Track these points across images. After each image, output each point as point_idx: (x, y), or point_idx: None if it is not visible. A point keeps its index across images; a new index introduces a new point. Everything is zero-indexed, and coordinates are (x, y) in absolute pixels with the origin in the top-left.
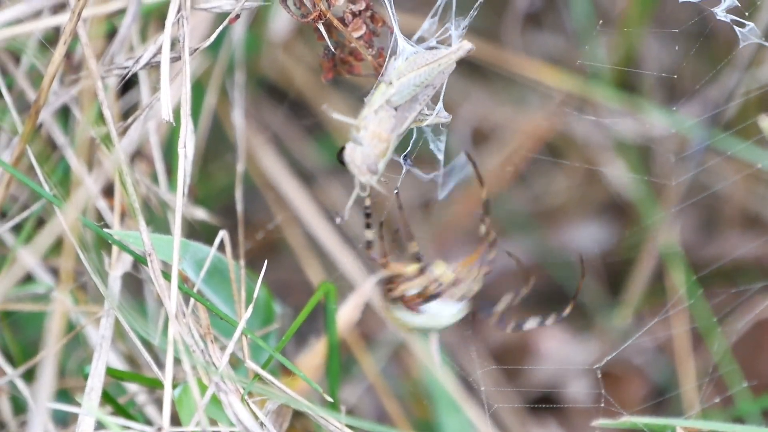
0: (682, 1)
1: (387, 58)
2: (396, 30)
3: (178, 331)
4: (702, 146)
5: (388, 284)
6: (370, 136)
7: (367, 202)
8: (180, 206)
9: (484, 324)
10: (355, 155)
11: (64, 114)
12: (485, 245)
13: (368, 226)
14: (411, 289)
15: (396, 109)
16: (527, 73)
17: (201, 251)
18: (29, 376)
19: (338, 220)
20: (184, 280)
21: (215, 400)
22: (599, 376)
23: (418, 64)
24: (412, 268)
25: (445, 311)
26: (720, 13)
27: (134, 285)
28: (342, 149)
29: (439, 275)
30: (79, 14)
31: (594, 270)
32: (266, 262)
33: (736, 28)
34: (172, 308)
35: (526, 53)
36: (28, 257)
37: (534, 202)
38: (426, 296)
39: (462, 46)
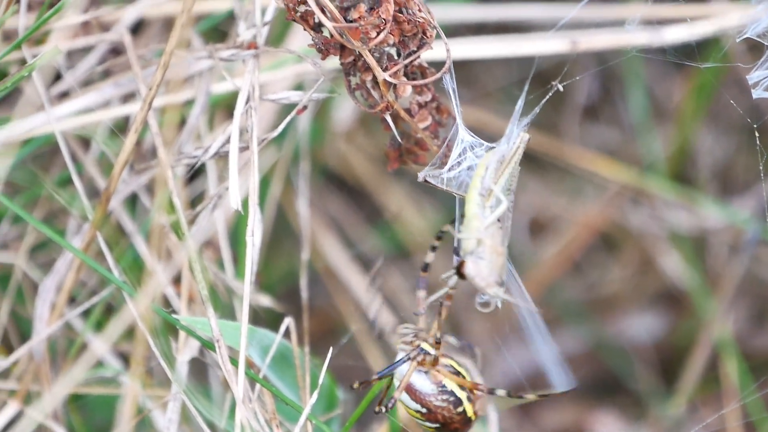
0: (757, 97)
1: (452, 148)
2: (459, 120)
3: (245, 415)
4: (756, 238)
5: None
6: (489, 251)
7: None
8: (248, 293)
9: (540, 408)
10: (481, 269)
11: (132, 201)
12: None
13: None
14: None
15: (499, 220)
16: (583, 165)
17: (267, 337)
18: None
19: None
20: (250, 365)
21: None
22: None
23: (494, 167)
24: (432, 334)
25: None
26: None
27: (198, 370)
28: (461, 264)
29: (421, 353)
30: (150, 104)
31: (647, 359)
32: (330, 349)
33: None
34: (239, 393)
35: (583, 145)
36: (100, 345)
37: (589, 291)
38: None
39: (522, 138)
